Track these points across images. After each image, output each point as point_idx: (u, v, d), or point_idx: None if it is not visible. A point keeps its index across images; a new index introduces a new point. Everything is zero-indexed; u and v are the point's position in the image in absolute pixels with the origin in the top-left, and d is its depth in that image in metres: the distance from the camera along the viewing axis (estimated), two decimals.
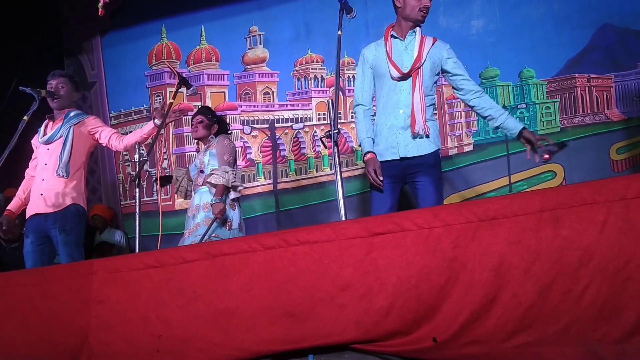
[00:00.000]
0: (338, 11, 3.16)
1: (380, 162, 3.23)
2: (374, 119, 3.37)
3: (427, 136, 3.18)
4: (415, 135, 3.17)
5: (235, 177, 3.94)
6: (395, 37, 3.32)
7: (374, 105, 3.39)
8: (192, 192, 4.16)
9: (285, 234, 2.25)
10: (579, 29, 4.97)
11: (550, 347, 1.80)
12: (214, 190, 3.89)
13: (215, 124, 4.21)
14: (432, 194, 3.14)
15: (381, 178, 3.15)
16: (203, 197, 3.99)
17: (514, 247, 1.90)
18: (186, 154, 6.10)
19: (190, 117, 4.59)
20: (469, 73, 3.33)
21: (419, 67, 3.21)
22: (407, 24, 3.29)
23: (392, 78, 3.25)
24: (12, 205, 3.91)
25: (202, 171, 4.05)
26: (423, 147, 3.18)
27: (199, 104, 6.01)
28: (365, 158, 3.26)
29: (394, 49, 3.29)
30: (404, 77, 3.22)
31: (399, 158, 3.19)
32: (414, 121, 3.15)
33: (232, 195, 3.97)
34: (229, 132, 4.43)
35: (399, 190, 3.26)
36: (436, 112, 3.38)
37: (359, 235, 2.12)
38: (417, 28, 3.31)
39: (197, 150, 4.42)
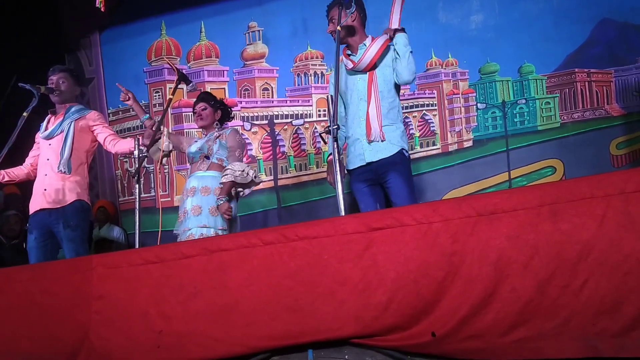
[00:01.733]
0: (337, 6, 3.17)
1: (353, 169, 3.43)
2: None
3: (383, 140, 3.30)
4: (370, 141, 3.32)
5: (251, 169, 3.84)
6: (350, 55, 3.45)
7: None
8: (188, 173, 4.04)
9: (284, 230, 2.25)
10: (578, 24, 4.97)
11: (549, 341, 1.81)
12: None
13: (218, 109, 4.09)
14: (403, 188, 3.28)
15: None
16: (202, 181, 3.85)
17: (512, 241, 1.90)
18: None
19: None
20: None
21: (372, 59, 3.32)
22: (352, 42, 3.43)
23: (348, 70, 3.41)
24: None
25: (207, 157, 3.92)
26: (386, 150, 3.32)
27: None
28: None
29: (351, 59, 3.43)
30: (357, 65, 3.35)
31: (365, 164, 3.35)
32: (369, 129, 3.32)
33: (246, 192, 3.90)
34: (232, 115, 4.30)
35: (378, 191, 3.40)
36: (400, 113, 3.47)
37: (358, 230, 2.12)
38: (368, 39, 3.42)
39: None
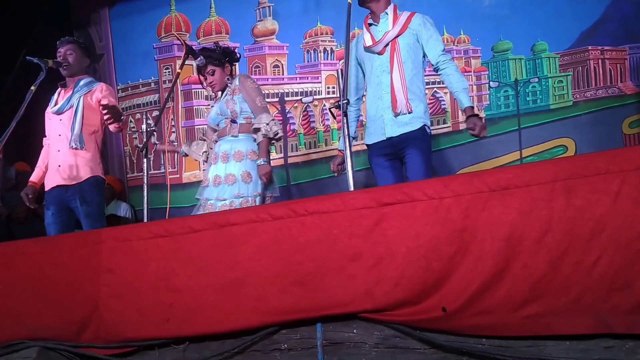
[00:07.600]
0: None
1: (372, 143, 3.37)
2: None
3: (410, 112, 3.22)
4: (397, 114, 3.23)
5: (275, 125, 3.67)
6: (372, 25, 3.40)
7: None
8: (215, 140, 3.86)
9: (293, 204, 2.24)
10: (592, 0, 4.90)
11: (561, 317, 1.79)
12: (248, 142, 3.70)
13: (225, 64, 3.85)
14: (420, 165, 3.21)
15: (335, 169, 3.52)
16: (234, 145, 3.71)
17: (525, 217, 1.88)
18: (195, 127, 6.07)
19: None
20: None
21: (391, 40, 3.27)
22: (375, 9, 3.36)
23: (366, 47, 3.35)
24: (35, 177, 3.93)
25: (234, 121, 3.75)
26: (409, 125, 3.24)
27: None
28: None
29: (372, 33, 3.38)
30: (375, 46, 3.30)
31: (385, 138, 3.29)
32: (395, 100, 3.23)
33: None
34: (237, 56, 4.01)
35: (398, 166, 3.35)
36: (425, 87, 3.40)
37: (368, 205, 2.10)
38: (390, 8, 3.37)
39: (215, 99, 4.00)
